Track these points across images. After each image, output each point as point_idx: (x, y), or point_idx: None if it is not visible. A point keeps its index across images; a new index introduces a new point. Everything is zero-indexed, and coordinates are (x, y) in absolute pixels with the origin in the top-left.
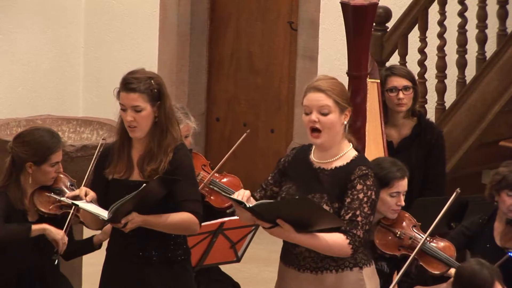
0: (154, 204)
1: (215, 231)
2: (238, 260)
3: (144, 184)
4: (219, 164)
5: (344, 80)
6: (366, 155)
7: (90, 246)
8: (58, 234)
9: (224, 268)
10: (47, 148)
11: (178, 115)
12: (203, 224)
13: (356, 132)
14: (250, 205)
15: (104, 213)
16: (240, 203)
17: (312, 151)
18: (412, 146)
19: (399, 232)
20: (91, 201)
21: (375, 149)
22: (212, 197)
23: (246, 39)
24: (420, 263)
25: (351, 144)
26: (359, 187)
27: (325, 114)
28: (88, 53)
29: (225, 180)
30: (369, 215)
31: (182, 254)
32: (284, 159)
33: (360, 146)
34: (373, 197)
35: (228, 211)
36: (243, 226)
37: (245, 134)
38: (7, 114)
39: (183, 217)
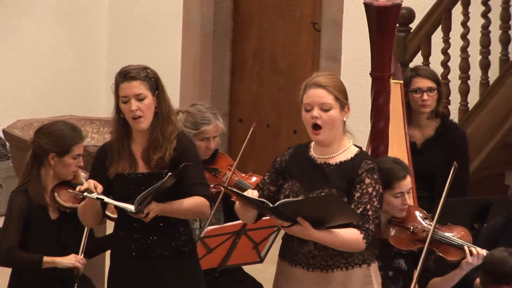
0: (167, 192)
1: (238, 231)
2: (261, 260)
3: (169, 174)
4: (236, 161)
5: (368, 81)
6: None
7: (110, 241)
8: (70, 261)
9: (247, 268)
10: (70, 139)
11: (207, 115)
12: (226, 224)
13: (379, 133)
14: (273, 205)
15: (129, 206)
16: (262, 203)
17: (311, 148)
18: (436, 147)
19: (411, 227)
20: (101, 194)
21: (398, 150)
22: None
23: (269, 39)
24: (439, 254)
25: (351, 140)
26: (367, 181)
27: (326, 110)
28: (111, 54)
29: (253, 180)
30: (379, 209)
31: (188, 244)
32: (280, 158)
33: (383, 147)
34: (380, 190)
35: None
36: (266, 226)
37: (252, 128)
38: (30, 115)
39: (196, 201)
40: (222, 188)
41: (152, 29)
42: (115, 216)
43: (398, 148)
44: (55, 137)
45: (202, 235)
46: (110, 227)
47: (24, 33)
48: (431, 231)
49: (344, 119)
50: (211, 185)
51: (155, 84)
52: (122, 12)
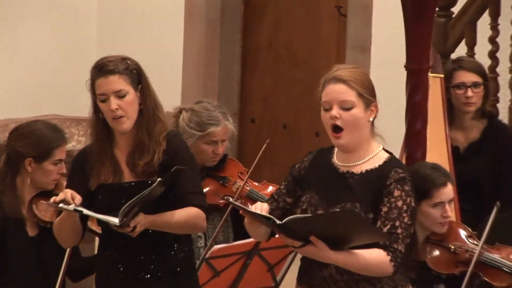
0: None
1: (250, 251)
2: (277, 285)
3: (158, 180)
4: (246, 177)
5: (402, 75)
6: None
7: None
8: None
9: None
10: (49, 141)
11: (215, 114)
12: (236, 243)
13: (416, 136)
14: (280, 222)
15: (112, 219)
16: (268, 219)
17: (335, 154)
18: (481, 152)
19: (453, 247)
20: (79, 206)
21: (437, 155)
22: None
23: (286, 26)
24: (484, 278)
25: (380, 145)
26: (396, 193)
27: (347, 109)
28: (101, 45)
29: (269, 190)
30: (410, 226)
31: (186, 263)
32: (299, 165)
33: (420, 152)
34: (413, 204)
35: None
36: (282, 246)
37: (265, 145)
38: (6, 115)
39: (190, 213)
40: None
41: (149, 16)
42: (99, 231)
43: (437, 153)
44: (33, 139)
45: (207, 256)
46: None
47: (4, 26)
48: (476, 252)
49: (371, 119)
50: (219, 196)
51: (137, 77)
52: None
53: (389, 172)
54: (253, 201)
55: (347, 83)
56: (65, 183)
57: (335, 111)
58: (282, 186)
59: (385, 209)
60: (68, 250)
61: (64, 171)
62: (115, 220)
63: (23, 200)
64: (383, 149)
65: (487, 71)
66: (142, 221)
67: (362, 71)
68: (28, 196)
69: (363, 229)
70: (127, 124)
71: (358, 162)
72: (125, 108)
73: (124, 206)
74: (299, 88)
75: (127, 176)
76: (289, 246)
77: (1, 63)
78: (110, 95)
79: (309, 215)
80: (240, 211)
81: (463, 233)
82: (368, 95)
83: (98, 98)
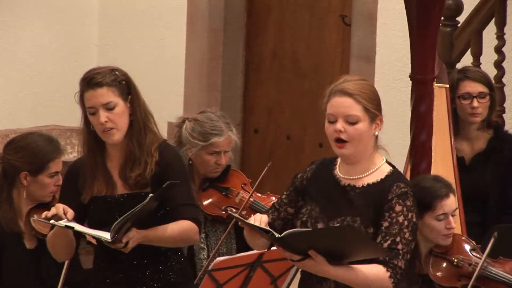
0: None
1: (253, 263)
2: None
3: (150, 195)
4: (252, 190)
5: (407, 85)
6: (432, 173)
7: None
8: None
9: None
10: (44, 154)
11: (219, 124)
12: (238, 255)
13: (421, 147)
14: (279, 235)
15: (104, 234)
16: (266, 232)
17: (337, 166)
18: (488, 163)
19: (456, 260)
20: (72, 220)
21: (443, 167)
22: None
23: (290, 35)
24: None
25: (384, 158)
26: (398, 208)
27: (352, 123)
28: (102, 54)
29: (266, 199)
30: (410, 242)
31: (182, 275)
32: (301, 175)
33: (425, 163)
34: (414, 220)
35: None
36: (286, 258)
37: (266, 168)
38: (7, 124)
39: (184, 226)
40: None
41: (151, 23)
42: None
43: (443, 164)
44: (27, 153)
45: (210, 268)
46: None
47: (1, 27)
48: (479, 266)
49: (376, 133)
50: (222, 207)
51: (126, 88)
52: (115, 5)
53: (391, 187)
54: (257, 212)
55: (354, 97)
56: None
57: (339, 125)
58: (283, 196)
59: (386, 224)
60: (66, 261)
61: (61, 183)
62: (107, 236)
63: (20, 213)
64: (386, 161)
65: (493, 81)
66: (134, 237)
67: (369, 84)
68: (26, 208)
69: (363, 244)
70: (117, 136)
71: (360, 176)
72: (114, 120)
73: (116, 222)
74: (303, 98)
75: (120, 188)
76: None
77: (1, 66)
78: (99, 108)
79: (308, 229)
80: (239, 223)
81: (467, 246)
82: (374, 109)
83: (87, 111)
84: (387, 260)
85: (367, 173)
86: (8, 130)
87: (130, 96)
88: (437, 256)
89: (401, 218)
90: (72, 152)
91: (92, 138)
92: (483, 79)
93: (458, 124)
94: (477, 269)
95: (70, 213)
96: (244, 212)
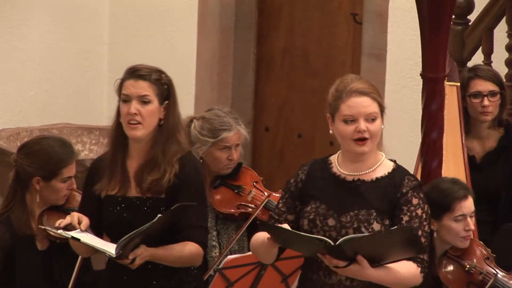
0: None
1: None
2: None
3: (159, 216)
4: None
5: (418, 83)
6: (443, 172)
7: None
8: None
9: None
10: (58, 160)
11: (227, 120)
12: (250, 253)
13: (432, 145)
14: (334, 243)
15: (109, 248)
16: (320, 240)
17: (335, 165)
18: (498, 162)
19: (468, 266)
20: (86, 230)
21: (454, 165)
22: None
23: (301, 34)
24: None
25: (383, 153)
26: (415, 201)
27: (372, 120)
28: (113, 52)
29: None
30: (429, 234)
31: (193, 281)
32: (294, 179)
33: (436, 161)
34: (429, 211)
35: None
36: (296, 256)
37: (266, 200)
38: (18, 123)
39: (191, 249)
40: (248, 209)
41: (162, 22)
42: None
43: (454, 162)
44: (40, 159)
45: (221, 266)
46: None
47: (11, 25)
48: (492, 280)
49: (383, 126)
50: (236, 204)
51: (166, 92)
52: (126, 3)
53: (402, 180)
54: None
55: (370, 95)
56: (76, 196)
57: (363, 125)
58: (280, 205)
59: (406, 218)
60: (78, 262)
61: (74, 186)
62: (111, 251)
63: (33, 215)
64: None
65: (504, 80)
66: (142, 254)
67: (370, 80)
68: (38, 210)
69: (411, 245)
70: (141, 132)
71: (368, 170)
72: (144, 115)
73: (122, 238)
74: (314, 96)
75: (133, 190)
76: (302, 256)
77: (11, 63)
78: (134, 98)
79: (366, 234)
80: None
81: (481, 254)
82: (383, 103)
83: (121, 97)
84: (416, 256)
85: (373, 168)
86: (19, 128)
87: (168, 102)
88: (450, 258)
89: (419, 211)
90: (83, 150)
91: (119, 132)
92: (494, 77)
93: (469, 123)
94: (490, 281)
95: (85, 223)
96: (258, 213)
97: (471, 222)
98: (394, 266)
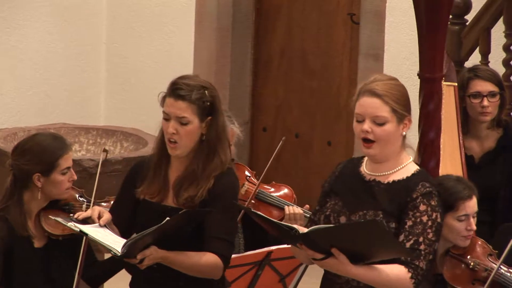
0: (177, 236)
1: (261, 261)
2: None
3: (168, 218)
4: (260, 178)
5: (415, 83)
6: (441, 172)
7: (120, 262)
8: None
9: None
10: (52, 152)
11: None
12: (247, 253)
13: (429, 145)
14: (302, 232)
15: (117, 246)
16: (291, 228)
17: (364, 163)
18: (497, 162)
19: (472, 263)
20: (105, 225)
21: (451, 165)
22: (260, 211)
23: (298, 34)
24: None
25: (411, 156)
26: (422, 207)
27: (380, 124)
28: (110, 52)
29: (281, 192)
30: (433, 243)
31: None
32: (329, 177)
33: (433, 161)
34: (438, 220)
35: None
36: (294, 256)
37: (281, 142)
38: (15, 123)
39: (209, 260)
40: (244, 203)
41: (160, 22)
42: None
43: (451, 162)
44: (34, 154)
45: None
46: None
47: (9, 25)
48: (493, 272)
49: (404, 133)
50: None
51: (208, 110)
52: (123, 3)
53: (416, 185)
54: (265, 203)
55: (382, 98)
56: (72, 192)
57: (367, 126)
58: (317, 206)
59: (409, 223)
60: (82, 248)
61: (75, 177)
62: (117, 250)
63: (30, 214)
64: (413, 161)
65: (503, 80)
66: (152, 255)
67: (399, 84)
68: (36, 209)
69: (386, 242)
70: (178, 151)
71: (386, 172)
72: (182, 135)
73: (130, 238)
74: (311, 96)
75: (169, 200)
76: None
77: (9, 63)
78: (172, 118)
79: (332, 225)
80: (258, 221)
81: (484, 251)
82: (402, 110)
83: (163, 114)
84: (409, 261)
85: (393, 171)
86: (16, 129)
87: (210, 118)
88: (454, 257)
89: (425, 218)
90: (80, 151)
91: (163, 141)
92: (494, 78)
93: (468, 123)
94: (492, 274)
95: (105, 218)
96: (253, 202)
97: (473, 222)
98: (380, 266)
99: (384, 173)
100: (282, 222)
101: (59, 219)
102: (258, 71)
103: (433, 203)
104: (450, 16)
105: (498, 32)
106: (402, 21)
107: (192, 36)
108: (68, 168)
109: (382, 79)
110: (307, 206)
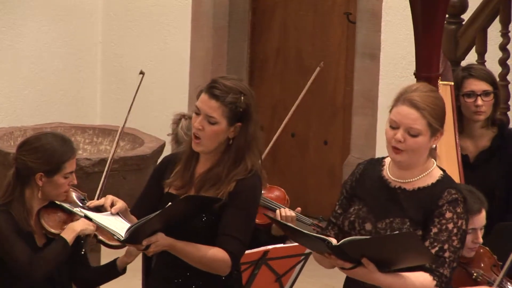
0: (190, 226)
1: (258, 261)
2: None
3: (169, 204)
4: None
5: (412, 82)
6: None
7: (114, 270)
8: (89, 225)
9: None
10: (60, 155)
11: None
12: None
13: None
14: (336, 243)
15: (122, 232)
16: (323, 240)
17: (386, 167)
18: (492, 161)
19: (475, 274)
20: (117, 214)
21: (447, 165)
22: None
23: (294, 33)
24: None
25: (435, 162)
26: (448, 215)
27: (413, 136)
28: (107, 50)
29: (264, 192)
30: (458, 250)
31: (234, 283)
32: (350, 179)
33: None
34: (463, 227)
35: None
36: (290, 255)
37: (318, 68)
38: (11, 122)
39: (217, 255)
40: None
41: (156, 21)
42: (112, 243)
43: (447, 162)
44: (43, 154)
45: None
46: (105, 256)
47: (5, 24)
48: (495, 284)
49: (434, 146)
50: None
51: (240, 116)
52: (119, 2)
53: (441, 192)
54: (266, 208)
55: (421, 111)
56: (73, 194)
57: (400, 135)
58: (337, 207)
59: (435, 230)
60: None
61: (75, 182)
62: (120, 234)
63: (31, 212)
64: (437, 165)
65: (498, 79)
66: (158, 242)
67: (438, 97)
68: (37, 207)
69: (417, 252)
70: (200, 148)
71: (411, 179)
72: (206, 133)
73: (133, 223)
74: (308, 96)
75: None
76: (298, 255)
77: (5, 62)
78: (202, 114)
79: (367, 237)
80: (287, 232)
81: (489, 262)
82: (437, 124)
83: (195, 108)
84: (434, 268)
85: (418, 177)
86: (12, 128)
87: (240, 124)
88: (458, 265)
89: (450, 225)
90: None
91: None
92: (488, 77)
93: (462, 122)
94: (494, 285)
95: (118, 206)
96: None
97: (480, 235)
98: (406, 274)
99: (409, 180)
100: (315, 234)
101: (65, 205)
102: (254, 70)
103: (458, 210)
104: (447, 16)
105: (494, 32)
106: (398, 21)
107: (188, 35)
108: (71, 172)
109: (424, 90)
110: (299, 208)
